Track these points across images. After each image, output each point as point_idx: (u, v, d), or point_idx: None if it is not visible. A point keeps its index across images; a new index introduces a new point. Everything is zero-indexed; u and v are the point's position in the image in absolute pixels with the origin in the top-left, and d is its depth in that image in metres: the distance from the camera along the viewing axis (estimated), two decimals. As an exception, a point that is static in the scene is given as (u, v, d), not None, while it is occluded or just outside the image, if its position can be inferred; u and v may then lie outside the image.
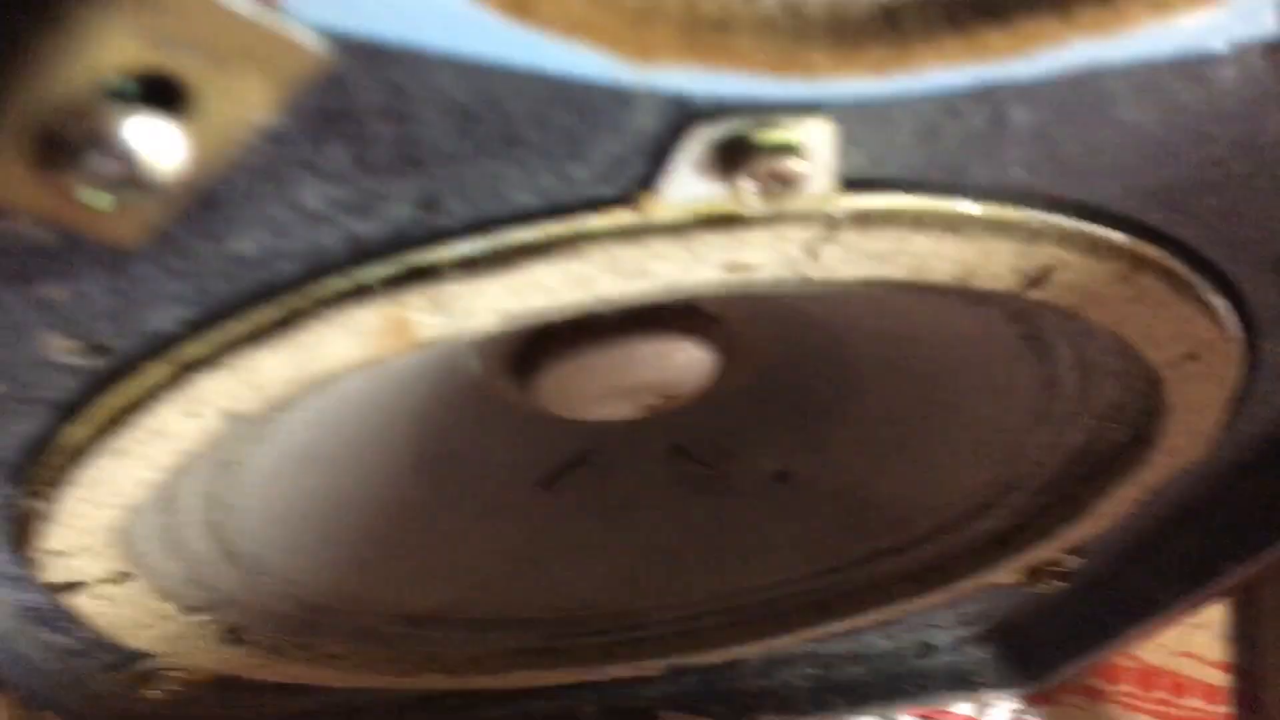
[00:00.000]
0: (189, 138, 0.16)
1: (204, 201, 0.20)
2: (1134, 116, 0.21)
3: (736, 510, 0.42)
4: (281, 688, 0.45)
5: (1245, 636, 0.51)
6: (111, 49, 0.15)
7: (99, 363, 0.23)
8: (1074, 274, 0.24)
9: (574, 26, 0.18)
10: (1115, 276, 0.25)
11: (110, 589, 0.32)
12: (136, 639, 0.35)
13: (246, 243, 0.21)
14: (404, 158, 0.20)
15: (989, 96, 0.20)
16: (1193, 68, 0.20)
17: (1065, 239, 0.24)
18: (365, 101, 0.18)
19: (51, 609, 0.34)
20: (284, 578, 0.36)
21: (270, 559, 0.35)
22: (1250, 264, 0.26)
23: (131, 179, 0.16)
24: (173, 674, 0.39)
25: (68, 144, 0.16)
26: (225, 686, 0.44)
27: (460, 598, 0.42)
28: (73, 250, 0.20)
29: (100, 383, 0.24)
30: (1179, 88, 0.20)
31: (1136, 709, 0.52)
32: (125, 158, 0.16)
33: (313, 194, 0.20)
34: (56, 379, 0.24)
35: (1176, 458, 0.34)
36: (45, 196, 0.16)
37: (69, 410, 0.25)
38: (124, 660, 0.39)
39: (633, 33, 0.18)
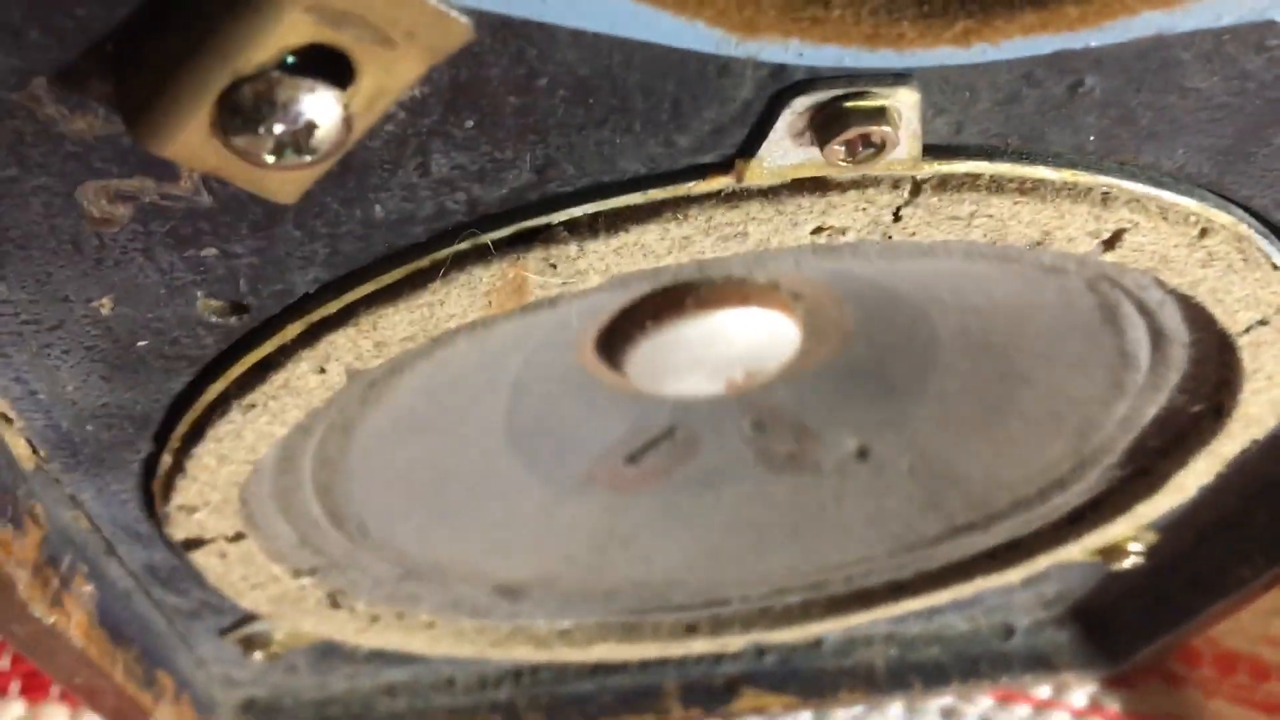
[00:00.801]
0: (347, 106, 0.18)
1: (346, 167, 0.22)
2: (1201, 84, 0.22)
3: (817, 488, 0.43)
4: (374, 659, 0.47)
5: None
6: (293, 28, 0.17)
7: (239, 321, 0.25)
8: (1146, 237, 0.26)
9: (685, 2, 0.19)
10: (1187, 240, 0.26)
11: (228, 546, 0.34)
12: (247, 599, 0.37)
13: (379, 207, 0.23)
14: (526, 126, 0.21)
15: (1065, 65, 0.22)
16: (1254, 36, 0.21)
17: (1137, 203, 0.25)
18: (495, 73, 0.20)
19: (171, 569, 0.37)
20: (385, 543, 0.38)
21: (373, 524, 0.37)
22: (1319, 229, 0.27)
23: (298, 143, 0.18)
24: (276, 638, 0.41)
25: (247, 111, 0.18)
26: (322, 654, 0.46)
27: (548, 571, 0.43)
28: (228, 213, 0.22)
29: (239, 341, 0.26)
30: (1242, 56, 0.22)
31: (1215, 694, 0.53)
32: (296, 124, 0.18)
33: (442, 161, 0.22)
34: (201, 337, 0.26)
35: (1252, 428, 0.35)
36: (222, 158, 0.18)
37: (209, 368, 0.27)
38: (233, 624, 0.41)
39: (738, 8, 0.20)
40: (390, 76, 0.18)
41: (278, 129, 0.18)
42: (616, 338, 0.36)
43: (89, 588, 0.34)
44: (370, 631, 0.42)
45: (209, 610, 0.40)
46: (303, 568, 0.38)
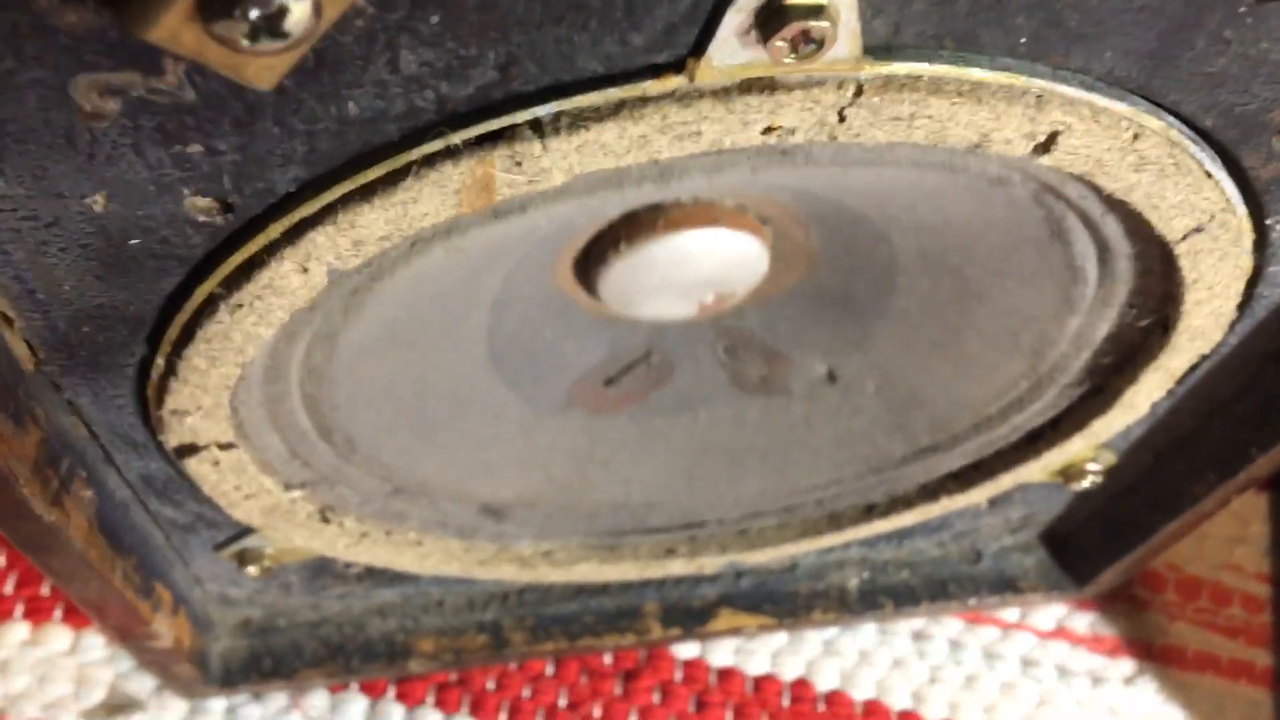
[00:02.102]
0: (315, -8, 0.20)
1: (320, 62, 0.23)
2: (1125, -16, 0.24)
3: (788, 411, 0.45)
4: (365, 579, 0.49)
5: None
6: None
7: (225, 220, 0.27)
8: (1080, 140, 0.27)
9: (631, -101, 0.21)
10: (1119, 144, 0.28)
11: (220, 454, 0.36)
12: (240, 510, 0.39)
13: (353, 104, 0.24)
14: (488, 23, 0.23)
15: (993, -36, 0.23)
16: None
17: (1070, 106, 0.26)
18: (456, -33, 0.22)
19: (166, 479, 0.38)
20: (372, 458, 0.40)
21: (360, 437, 0.39)
22: (1246, 134, 0.29)
23: (271, 27, 0.20)
24: (268, 552, 0.43)
25: (224, -3, 0.19)
26: (315, 573, 0.48)
27: (531, 491, 0.45)
28: (211, 109, 0.24)
29: (225, 241, 0.28)
30: (1162, -44, 0.23)
31: (1178, 617, 0.55)
32: (269, 7, 0.19)
33: (410, 57, 0.23)
34: (189, 236, 0.27)
35: (1198, 340, 0.37)
36: (202, 43, 0.20)
37: (198, 268, 0.28)
38: (227, 539, 0.43)
39: (681, -94, 0.21)
40: (356, -35, 0.20)
41: (252, 13, 0.19)
42: (591, 260, 0.37)
43: (88, 493, 0.36)
44: (359, 547, 0.43)
45: (203, 524, 0.41)
46: (293, 481, 0.39)
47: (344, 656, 0.50)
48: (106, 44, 0.22)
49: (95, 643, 0.51)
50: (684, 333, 0.43)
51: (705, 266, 0.37)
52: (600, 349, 0.43)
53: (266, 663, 0.50)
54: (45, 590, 0.52)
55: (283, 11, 0.19)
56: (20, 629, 0.51)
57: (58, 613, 0.52)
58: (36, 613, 0.52)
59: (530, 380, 0.42)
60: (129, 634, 0.42)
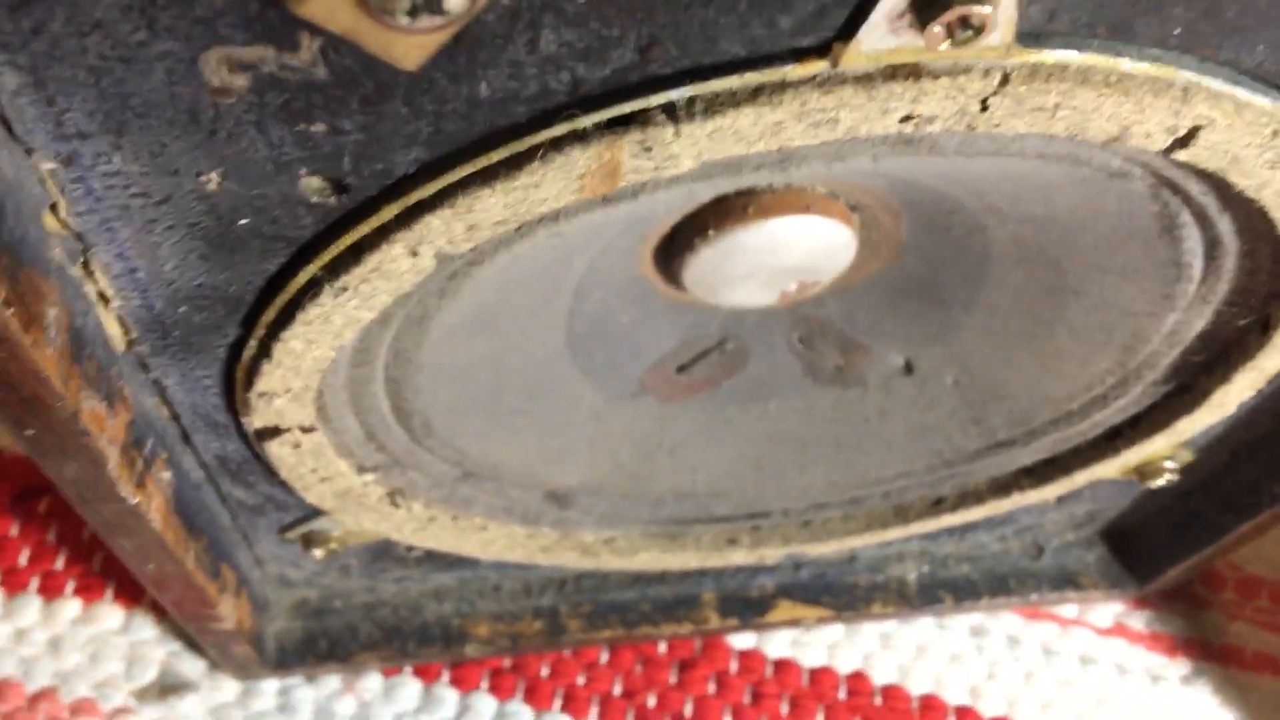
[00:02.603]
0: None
1: (459, 41, 0.22)
2: (1290, -23, 0.23)
3: (862, 402, 0.44)
4: (423, 562, 0.48)
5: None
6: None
7: (338, 202, 0.26)
8: (1220, 135, 0.26)
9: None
10: (1259, 140, 0.27)
11: (302, 437, 0.35)
12: (313, 492, 0.38)
13: (486, 85, 0.24)
14: (635, 3, 0.22)
15: (1159, -47, 0.22)
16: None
17: (1215, 100, 0.26)
18: (613, -56, 0.21)
19: (241, 460, 0.38)
20: (445, 442, 0.39)
21: (436, 421, 0.38)
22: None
23: (431, 3, 0.19)
24: (335, 535, 0.43)
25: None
26: (375, 555, 0.47)
27: (597, 477, 0.44)
28: (341, 87, 0.23)
29: (336, 223, 0.27)
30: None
31: (1237, 617, 0.54)
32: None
33: (551, 37, 0.23)
34: (300, 217, 0.27)
35: (1297, 342, 0.36)
36: (356, 19, 0.19)
37: (305, 249, 0.28)
38: (294, 521, 0.42)
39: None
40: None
41: (426, -10, 0.19)
42: (677, 246, 0.37)
43: (168, 474, 0.35)
44: (426, 531, 0.43)
45: (272, 506, 0.41)
46: (366, 464, 0.39)
47: (399, 640, 0.50)
48: (243, 17, 0.21)
49: (146, 621, 0.51)
50: (760, 321, 0.42)
51: (793, 254, 0.37)
52: (675, 336, 0.42)
53: (321, 644, 0.49)
54: (97, 567, 0.51)
55: (448, -11, 0.19)
56: (72, 606, 0.51)
57: (109, 591, 0.51)
58: (88, 589, 0.51)
59: (604, 366, 0.42)
60: (194, 615, 0.42)
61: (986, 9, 0.22)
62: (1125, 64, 0.25)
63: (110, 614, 0.51)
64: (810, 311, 0.42)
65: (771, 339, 0.43)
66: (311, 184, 0.26)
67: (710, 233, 0.36)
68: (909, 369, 0.43)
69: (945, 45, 0.23)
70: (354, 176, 0.26)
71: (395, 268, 0.28)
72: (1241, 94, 0.26)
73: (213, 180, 0.25)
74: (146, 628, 0.51)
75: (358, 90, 0.23)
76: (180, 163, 0.25)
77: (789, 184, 0.35)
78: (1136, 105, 0.25)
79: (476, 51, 0.23)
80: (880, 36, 0.23)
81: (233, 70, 0.22)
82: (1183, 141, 0.27)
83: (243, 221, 0.26)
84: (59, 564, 0.51)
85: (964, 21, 0.22)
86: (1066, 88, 0.25)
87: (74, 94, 0.23)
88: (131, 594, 0.51)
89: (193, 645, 0.50)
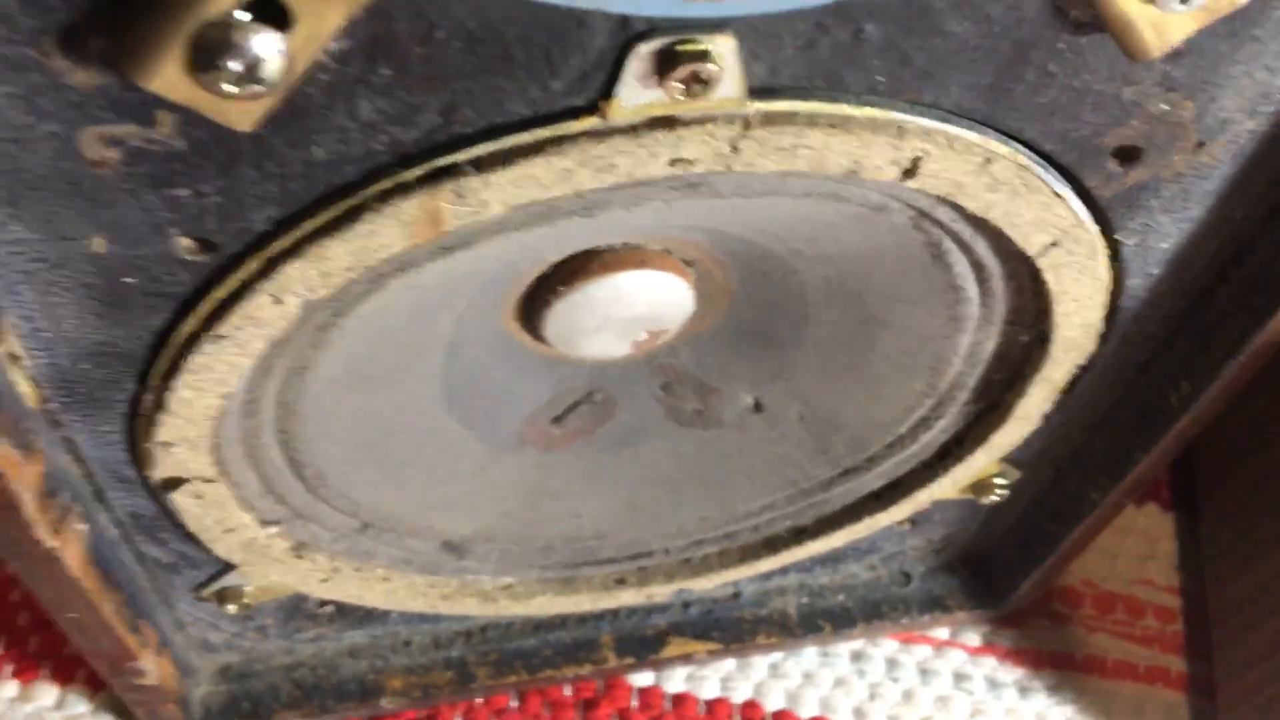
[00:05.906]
0: (288, 48, 0.24)
1: (291, 111, 0.28)
2: (956, 28, 0.29)
3: (722, 441, 0.49)
4: (337, 619, 0.52)
5: (1192, 565, 0.58)
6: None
7: (209, 258, 0.31)
8: (940, 165, 0.32)
9: (544, -32, 0.26)
10: (974, 167, 0.32)
11: (204, 488, 0.39)
12: (220, 545, 0.42)
13: (318, 149, 0.29)
14: (431, 74, 0.28)
15: (846, 14, 0.28)
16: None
17: (927, 135, 0.31)
18: (402, 27, 0.26)
19: (152, 517, 0.42)
20: (340, 492, 0.44)
21: (329, 472, 0.43)
22: (1083, 157, 0.33)
23: (252, 75, 0.24)
24: (247, 589, 0.46)
25: (212, 49, 0.24)
26: (289, 614, 0.51)
27: (488, 526, 0.49)
28: (198, 155, 0.28)
29: (209, 278, 0.32)
30: (985, 2, 0.28)
31: (1097, 630, 0.59)
32: (249, 57, 0.24)
33: (366, 106, 0.28)
34: (178, 274, 0.32)
35: (1073, 352, 0.41)
36: (193, 91, 0.24)
37: (185, 304, 0.33)
38: (207, 578, 0.46)
39: (586, -28, 0.26)
40: (320, 23, 0.24)
41: (235, 64, 0.24)
42: (534, 302, 0.42)
43: (84, 526, 0.39)
44: (331, 583, 0.47)
45: (186, 564, 0.45)
46: (269, 518, 0.43)
47: (318, 697, 0.53)
48: (110, 100, 0.26)
49: (81, 698, 0.54)
50: (624, 372, 0.47)
51: (637, 305, 0.42)
52: (547, 389, 0.47)
53: (245, 706, 0.53)
54: (33, 648, 0.55)
55: (261, 62, 0.24)
56: (10, 687, 0.54)
57: (45, 670, 0.54)
58: (24, 671, 0.54)
59: (484, 419, 0.46)
60: (118, 669, 0.45)
61: (712, 66, 0.28)
62: (844, 108, 0.30)
63: (46, 692, 0.54)
64: (666, 360, 0.47)
65: (635, 388, 0.48)
66: (183, 243, 0.31)
67: (561, 288, 0.41)
68: (758, 407, 0.48)
69: (684, 98, 0.28)
70: (219, 234, 0.31)
71: (264, 315, 0.33)
72: (950, 129, 0.32)
73: (99, 244, 0.30)
74: (81, 703, 0.54)
75: (212, 158, 0.28)
76: (69, 229, 0.30)
77: (626, 243, 0.41)
78: (861, 142, 0.31)
79: (306, 120, 0.28)
80: (635, 93, 0.29)
81: (107, 145, 0.28)
82: (909, 172, 0.32)
83: (128, 280, 0.31)
84: (-4, 648, 0.55)
85: (695, 77, 0.28)
86: (798, 130, 0.30)
87: (-24, 173, 0.28)
88: (65, 672, 0.55)
89: (125, 716, 0.54)
